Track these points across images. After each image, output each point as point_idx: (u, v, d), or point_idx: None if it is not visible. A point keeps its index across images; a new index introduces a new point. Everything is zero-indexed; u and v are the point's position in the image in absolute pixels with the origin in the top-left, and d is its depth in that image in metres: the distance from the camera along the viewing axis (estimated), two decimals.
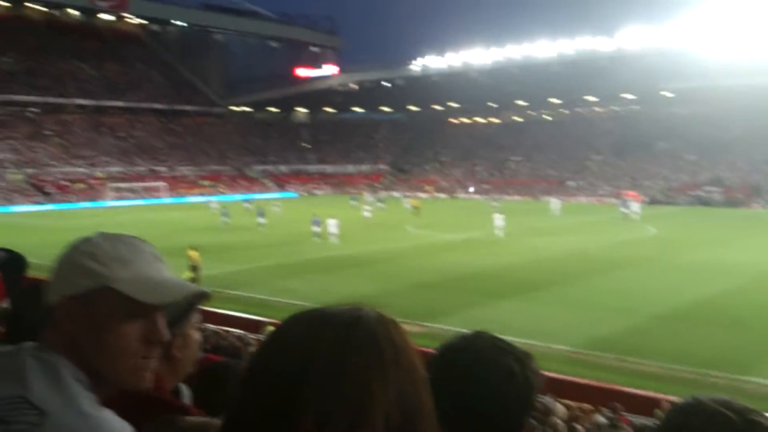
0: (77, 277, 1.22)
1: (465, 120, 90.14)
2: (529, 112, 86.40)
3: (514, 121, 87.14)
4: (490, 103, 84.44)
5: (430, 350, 1.47)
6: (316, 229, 34.10)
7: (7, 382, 1.11)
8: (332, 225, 33.53)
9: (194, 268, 21.85)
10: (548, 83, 70.20)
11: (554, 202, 51.38)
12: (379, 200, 56.58)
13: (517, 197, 67.52)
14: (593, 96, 76.38)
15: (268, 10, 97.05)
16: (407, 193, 68.26)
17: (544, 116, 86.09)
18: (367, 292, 20.10)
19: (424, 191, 72.15)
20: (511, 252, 29.15)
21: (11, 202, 56.29)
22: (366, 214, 44.19)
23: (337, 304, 0.93)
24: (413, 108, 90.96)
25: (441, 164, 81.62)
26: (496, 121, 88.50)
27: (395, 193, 71.86)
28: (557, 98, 79.33)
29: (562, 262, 26.46)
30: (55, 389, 1.12)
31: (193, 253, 22.52)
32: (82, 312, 1.21)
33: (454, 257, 28.01)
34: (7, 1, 78.48)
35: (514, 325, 15.91)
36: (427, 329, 15.35)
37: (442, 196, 71.53)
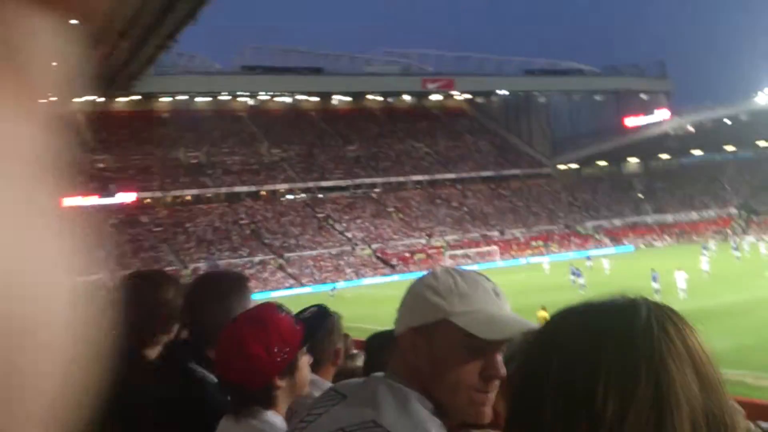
0: (420, 309, 1.28)
1: None
2: None
3: None
4: None
5: None
6: (655, 285, 29.74)
7: (362, 407, 1.21)
8: (680, 278, 29.69)
9: None
10: None
11: None
12: (735, 248, 50.02)
13: None
14: None
15: (591, 63, 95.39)
16: (763, 237, 60.12)
17: None
18: (719, 347, 17.20)
19: None
20: None
21: (361, 276, 61.50)
22: (704, 266, 37.18)
23: (608, 295, 0.87)
24: (763, 143, 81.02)
25: None
26: None
27: (750, 238, 63.87)
28: None
29: None
30: (404, 414, 1.19)
31: (543, 314, 21.58)
32: (423, 344, 1.26)
33: None
34: (350, 96, 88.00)
35: None
36: None
37: None
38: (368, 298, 43.70)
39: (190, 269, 58.06)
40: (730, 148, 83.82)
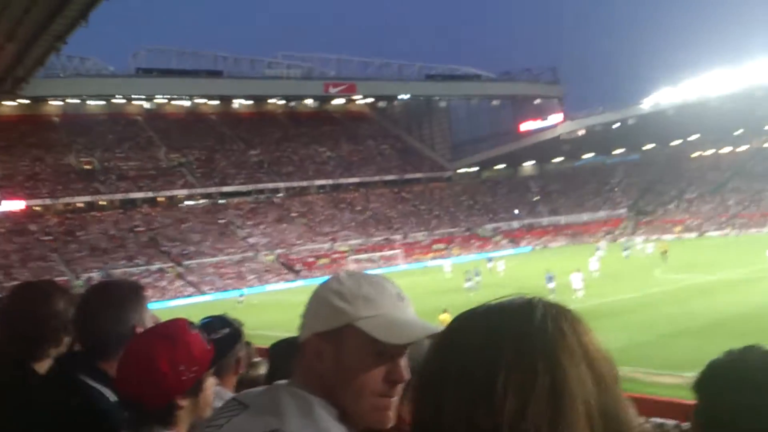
0: (324, 315, 1.26)
1: (709, 151, 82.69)
2: None
3: (766, 147, 78.25)
4: (736, 131, 76.86)
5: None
6: (550, 285, 30.61)
7: (265, 416, 1.19)
8: (576, 279, 30.28)
9: None
10: None
11: None
12: (626, 248, 52.13)
13: None
14: None
15: (488, 69, 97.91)
16: (651, 237, 63.43)
17: None
18: (616, 344, 18.02)
19: (672, 232, 66.63)
20: None
21: (264, 282, 60.73)
22: (593, 266, 37.50)
23: (508, 296, 0.91)
24: (649, 147, 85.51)
25: (687, 202, 75.21)
26: (744, 148, 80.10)
27: (638, 238, 67.19)
28: None
29: None
30: (308, 422, 1.18)
31: (446, 316, 21.79)
32: (328, 349, 1.25)
33: (712, 300, 24.69)
34: (251, 100, 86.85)
35: None
36: (688, 380, 13.06)
37: (691, 235, 65.55)
38: (273, 304, 43.27)
39: (82, 279, 55.73)
40: (618, 151, 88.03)
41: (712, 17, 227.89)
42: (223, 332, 2.34)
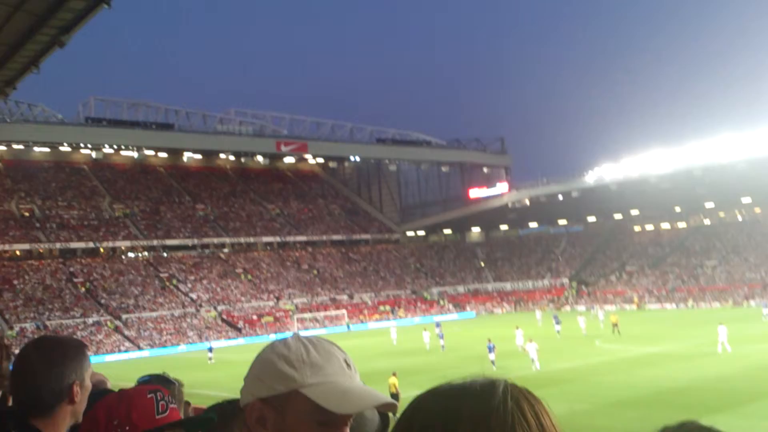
0: (270, 379, 1.22)
1: (649, 227, 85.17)
2: (720, 213, 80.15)
3: (704, 224, 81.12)
4: (675, 208, 79.56)
5: None
6: (491, 356, 30.02)
7: None
8: (532, 350, 28.76)
9: (395, 396, 20.77)
10: (738, 182, 65.05)
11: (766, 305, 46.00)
12: (558, 322, 48.95)
13: (716, 304, 62.56)
14: None
15: (436, 136, 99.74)
16: (592, 307, 64.35)
17: (737, 217, 79.40)
18: (557, 412, 18.04)
19: (613, 303, 67.84)
20: (721, 362, 25.65)
21: (206, 339, 59.28)
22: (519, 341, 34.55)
23: (471, 377, 0.92)
24: (592, 218, 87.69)
25: (628, 274, 76.90)
26: (683, 225, 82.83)
27: (580, 307, 68.13)
28: (750, 197, 73.04)
29: None
30: None
31: (394, 380, 21.71)
32: (271, 415, 1.21)
33: (652, 371, 25.05)
34: (202, 154, 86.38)
35: None
36: None
37: (631, 307, 66.85)
38: (242, 362, 42.28)
39: (15, 330, 53.67)
40: (562, 221, 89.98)
41: (653, 97, 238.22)
42: (161, 390, 2.31)
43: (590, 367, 27.56)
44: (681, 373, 24.14)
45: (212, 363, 42.12)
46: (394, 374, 21.90)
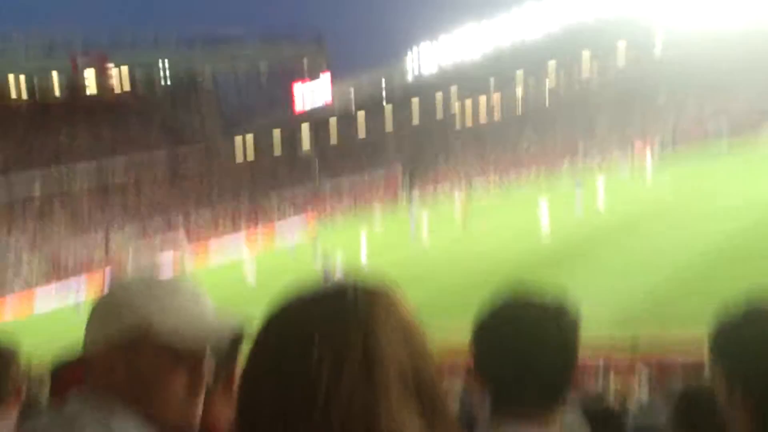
0: (114, 323, 1.18)
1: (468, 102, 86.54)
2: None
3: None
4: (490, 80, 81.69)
5: None
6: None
7: None
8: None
9: None
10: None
11: None
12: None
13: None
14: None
15: (250, 31, 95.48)
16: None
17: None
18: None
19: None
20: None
21: (32, 286, 54.66)
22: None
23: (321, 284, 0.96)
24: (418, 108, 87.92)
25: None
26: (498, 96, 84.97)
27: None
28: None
29: None
30: None
31: None
32: (121, 360, 1.17)
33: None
34: None
35: None
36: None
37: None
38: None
39: None
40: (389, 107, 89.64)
41: None
42: None
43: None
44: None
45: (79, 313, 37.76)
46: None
